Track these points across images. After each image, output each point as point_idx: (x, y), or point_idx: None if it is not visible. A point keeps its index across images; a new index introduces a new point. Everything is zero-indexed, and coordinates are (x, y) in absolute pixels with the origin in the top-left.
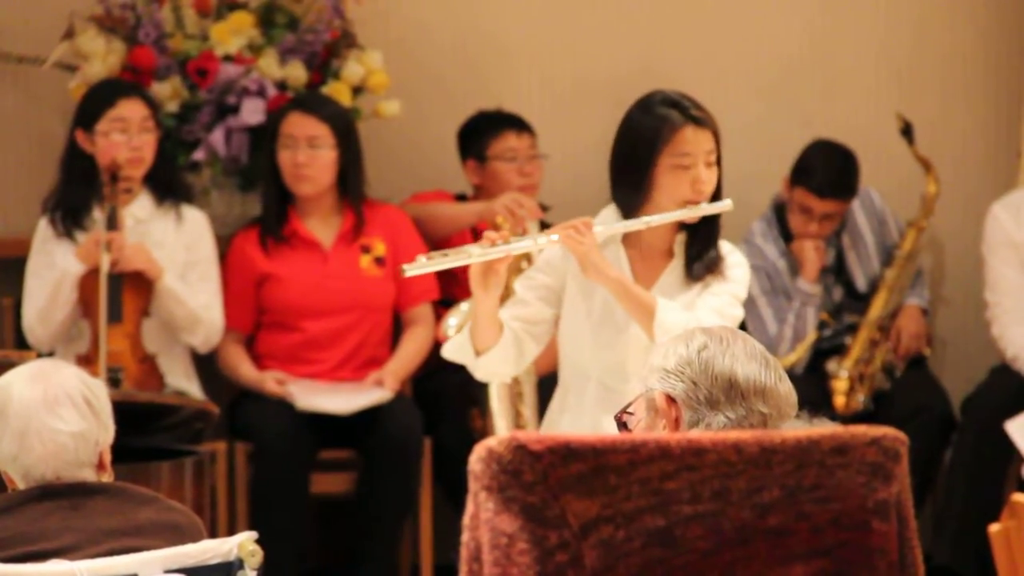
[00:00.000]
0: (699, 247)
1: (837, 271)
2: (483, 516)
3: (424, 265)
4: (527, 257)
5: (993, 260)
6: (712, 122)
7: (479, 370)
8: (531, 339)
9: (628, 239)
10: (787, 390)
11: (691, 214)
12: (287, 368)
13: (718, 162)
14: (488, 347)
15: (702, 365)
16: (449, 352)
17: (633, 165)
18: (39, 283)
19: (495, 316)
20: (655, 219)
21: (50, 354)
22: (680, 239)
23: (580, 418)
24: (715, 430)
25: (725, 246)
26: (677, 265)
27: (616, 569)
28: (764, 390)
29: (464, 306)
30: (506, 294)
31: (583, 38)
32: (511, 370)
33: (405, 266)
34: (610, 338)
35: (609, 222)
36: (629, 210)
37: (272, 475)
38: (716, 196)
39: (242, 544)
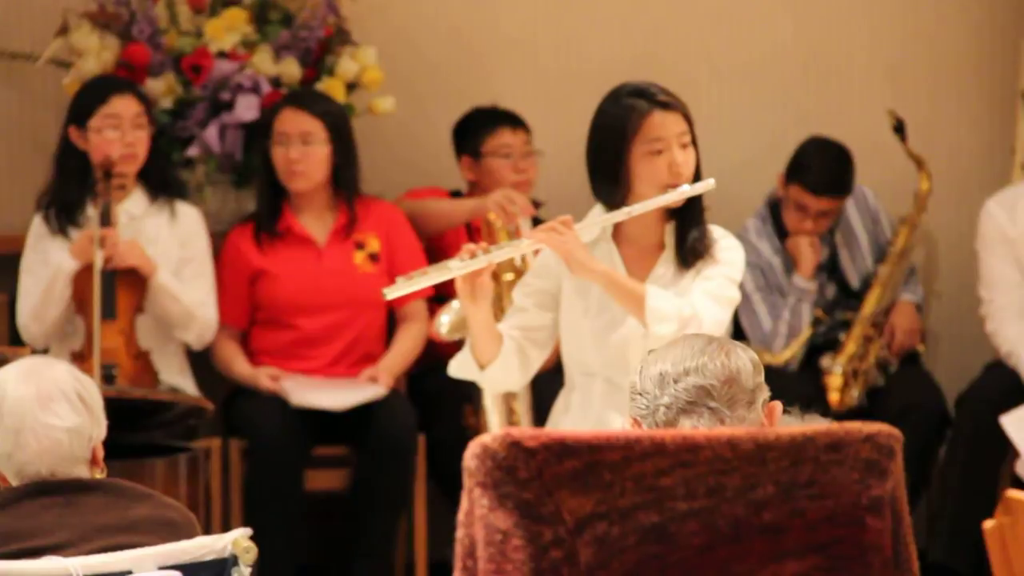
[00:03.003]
0: (685, 231)
1: (830, 269)
2: (478, 512)
3: (404, 286)
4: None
5: (987, 256)
6: (680, 104)
7: (486, 383)
8: (534, 346)
9: (619, 236)
10: (722, 363)
11: (672, 197)
12: (281, 364)
13: (694, 144)
14: (490, 360)
15: (641, 376)
16: (455, 371)
17: (608, 158)
18: (33, 280)
19: (491, 327)
20: (637, 208)
21: (44, 351)
22: (669, 229)
23: (586, 417)
24: (662, 423)
25: (717, 231)
26: (669, 256)
27: (611, 566)
28: (697, 368)
29: (456, 303)
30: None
31: (578, 34)
32: (519, 379)
33: (386, 290)
34: (609, 332)
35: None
36: (612, 205)
37: (266, 471)
38: (696, 179)
39: (236, 541)
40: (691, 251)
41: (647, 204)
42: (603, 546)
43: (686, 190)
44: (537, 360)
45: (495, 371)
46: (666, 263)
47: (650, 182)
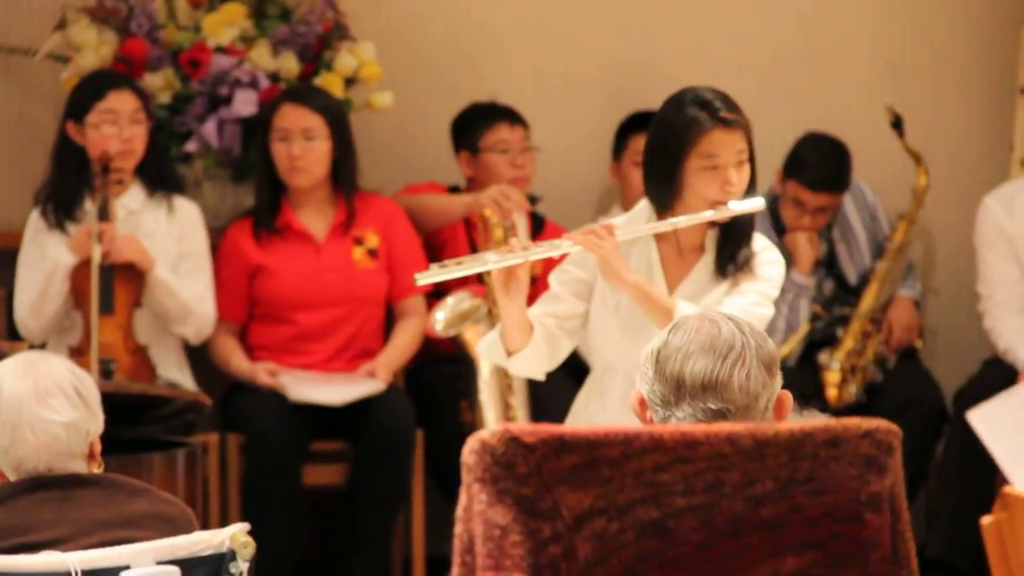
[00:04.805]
0: (732, 246)
1: (828, 264)
2: (476, 508)
3: (437, 273)
4: (512, 232)
5: (985, 252)
6: (743, 121)
7: (512, 368)
8: (565, 335)
9: (660, 234)
10: (740, 385)
11: (720, 215)
12: (279, 359)
13: (751, 159)
14: (519, 348)
15: (659, 363)
16: (482, 351)
17: (663, 164)
18: (31, 275)
19: (523, 320)
20: (683, 220)
21: (42, 346)
22: (712, 235)
23: (604, 413)
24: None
25: (760, 241)
26: (708, 261)
27: (609, 561)
28: (715, 385)
29: (450, 300)
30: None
31: (576, 30)
32: (546, 366)
33: (417, 275)
34: (637, 333)
35: (642, 216)
36: (660, 206)
37: (264, 467)
38: (750, 192)
39: (234, 536)
40: (732, 263)
41: (693, 218)
42: (602, 542)
43: (734, 208)
44: (567, 348)
45: (523, 358)
46: (704, 268)
47: (700, 196)
